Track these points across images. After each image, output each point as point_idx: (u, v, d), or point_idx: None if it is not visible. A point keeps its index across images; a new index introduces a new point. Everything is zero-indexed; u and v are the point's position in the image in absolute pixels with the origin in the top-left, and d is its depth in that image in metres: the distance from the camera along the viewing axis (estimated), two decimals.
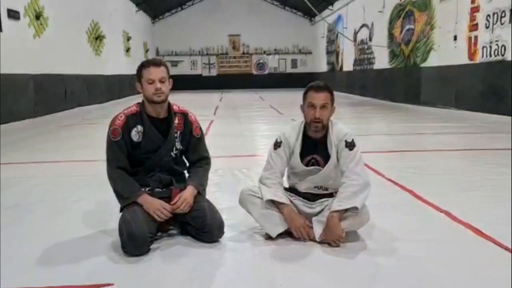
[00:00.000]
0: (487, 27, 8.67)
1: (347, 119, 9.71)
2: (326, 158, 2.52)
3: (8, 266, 2.20)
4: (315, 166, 2.54)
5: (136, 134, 2.49)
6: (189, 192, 2.49)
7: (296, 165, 2.56)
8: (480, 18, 8.88)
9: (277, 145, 2.56)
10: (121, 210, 2.53)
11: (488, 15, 8.59)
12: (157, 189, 2.53)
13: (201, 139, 2.68)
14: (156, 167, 2.55)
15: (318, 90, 2.47)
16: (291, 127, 2.61)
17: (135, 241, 2.27)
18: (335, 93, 2.59)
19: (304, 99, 2.53)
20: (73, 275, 2.10)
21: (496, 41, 8.35)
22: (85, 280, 2.04)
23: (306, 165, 2.55)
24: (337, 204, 2.38)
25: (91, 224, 2.83)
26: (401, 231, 2.62)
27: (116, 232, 2.56)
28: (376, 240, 2.48)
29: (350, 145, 2.45)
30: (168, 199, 2.48)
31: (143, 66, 2.51)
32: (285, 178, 2.74)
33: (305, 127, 2.55)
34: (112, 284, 1.99)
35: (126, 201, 2.44)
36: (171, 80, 2.56)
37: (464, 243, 2.48)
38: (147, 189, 2.50)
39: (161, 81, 2.46)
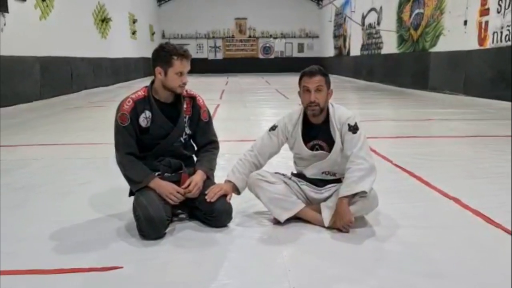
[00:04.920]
0: (498, 12, 8.51)
1: (354, 104, 9.67)
2: (330, 143, 2.51)
3: (15, 248, 2.21)
4: (320, 151, 2.54)
5: (144, 119, 2.46)
6: (199, 177, 2.49)
7: (301, 150, 2.56)
8: (492, 2, 8.72)
9: (272, 128, 2.62)
10: (130, 194, 2.53)
11: (500, 0, 8.43)
12: (166, 174, 2.52)
13: (209, 123, 2.67)
14: (165, 152, 2.53)
15: (311, 74, 2.47)
16: (290, 113, 2.63)
17: (153, 225, 2.26)
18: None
19: (299, 85, 2.53)
20: (81, 258, 2.11)
21: (508, 26, 8.21)
22: (94, 263, 2.04)
23: (311, 150, 2.54)
24: (345, 189, 2.37)
25: (98, 207, 2.84)
26: (409, 217, 2.61)
27: (124, 215, 2.57)
28: (384, 226, 2.47)
29: (353, 129, 2.44)
30: (177, 183, 2.47)
31: (175, 55, 2.38)
32: (293, 164, 2.75)
33: (305, 113, 2.55)
34: (121, 267, 2.00)
35: (138, 186, 2.42)
36: None
37: (472, 229, 2.47)
38: (156, 173, 2.48)
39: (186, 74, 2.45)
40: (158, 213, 2.28)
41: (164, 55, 2.41)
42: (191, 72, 2.53)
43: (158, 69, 2.43)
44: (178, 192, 2.42)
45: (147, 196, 2.35)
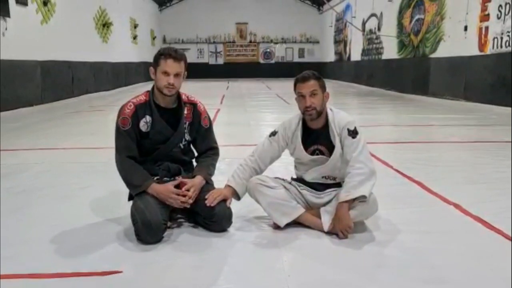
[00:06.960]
0: (498, 18, 8.54)
1: (354, 109, 9.68)
2: (330, 147, 2.51)
3: (15, 252, 2.21)
4: (320, 155, 2.54)
5: (144, 124, 2.47)
6: (198, 181, 2.48)
7: (301, 156, 2.57)
8: (492, 8, 8.75)
9: (273, 133, 2.63)
10: (130, 198, 2.53)
11: (500, 5, 8.45)
12: (165, 178, 2.52)
13: (209, 130, 2.67)
14: (164, 157, 2.54)
15: (304, 80, 2.49)
16: (290, 119, 2.64)
17: (150, 229, 2.26)
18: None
19: (294, 92, 2.55)
20: (81, 262, 2.11)
21: (508, 32, 8.23)
22: (93, 267, 2.04)
23: (311, 155, 2.55)
24: (344, 194, 2.37)
25: (98, 211, 2.84)
26: (409, 223, 2.61)
27: (124, 220, 2.57)
28: (384, 232, 2.47)
29: (353, 133, 2.45)
30: (176, 188, 2.46)
31: (162, 55, 2.42)
32: (293, 168, 2.76)
33: (304, 118, 2.56)
34: (120, 272, 2.00)
35: (138, 190, 2.42)
36: (185, 72, 2.50)
37: (473, 235, 2.46)
38: (155, 178, 2.48)
39: (176, 76, 2.42)
40: (155, 217, 2.28)
41: (156, 56, 2.47)
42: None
43: (151, 69, 2.48)
44: (177, 194, 2.41)
45: (145, 201, 2.35)
